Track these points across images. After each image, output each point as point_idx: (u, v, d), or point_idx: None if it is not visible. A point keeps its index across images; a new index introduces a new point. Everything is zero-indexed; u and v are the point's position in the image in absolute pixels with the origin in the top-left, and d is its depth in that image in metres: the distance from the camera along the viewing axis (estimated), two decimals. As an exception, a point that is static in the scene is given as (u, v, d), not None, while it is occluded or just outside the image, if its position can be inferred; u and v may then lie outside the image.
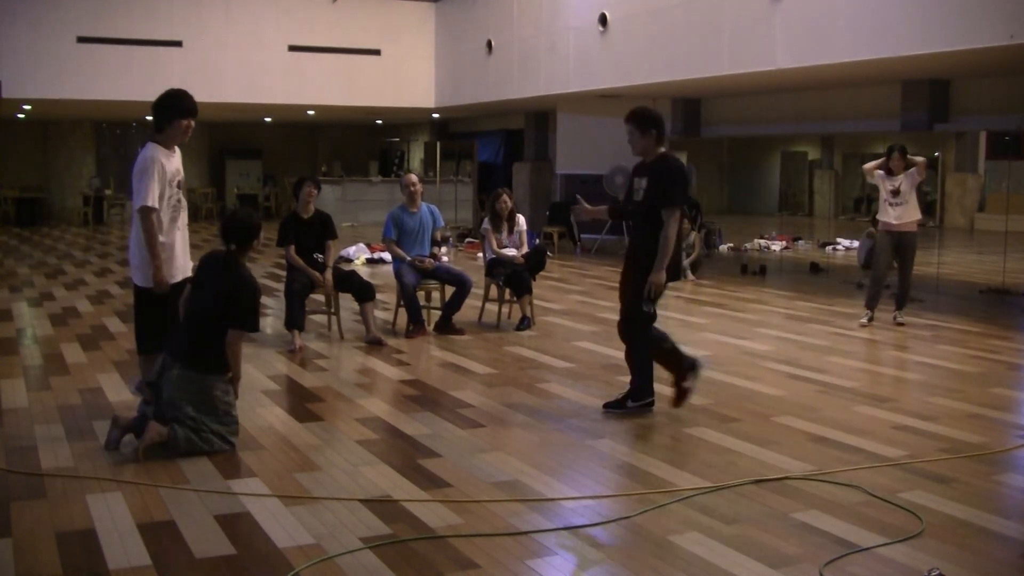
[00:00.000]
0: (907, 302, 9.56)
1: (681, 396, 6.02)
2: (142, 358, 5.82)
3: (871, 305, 9.36)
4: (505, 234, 9.27)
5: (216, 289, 5.24)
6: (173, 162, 5.61)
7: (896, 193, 9.21)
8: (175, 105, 5.55)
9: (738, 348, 8.24)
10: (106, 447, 5.23)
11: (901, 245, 9.26)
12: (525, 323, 9.03)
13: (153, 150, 5.51)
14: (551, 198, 18.81)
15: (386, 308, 9.95)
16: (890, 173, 9.24)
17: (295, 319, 8.12)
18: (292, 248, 8.29)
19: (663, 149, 5.93)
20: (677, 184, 5.82)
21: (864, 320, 9.32)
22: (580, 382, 6.93)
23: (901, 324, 9.31)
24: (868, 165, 9.57)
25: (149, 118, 5.73)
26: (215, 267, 5.37)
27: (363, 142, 28.50)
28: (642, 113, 5.94)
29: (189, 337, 5.23)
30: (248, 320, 5.27)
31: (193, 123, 5.61)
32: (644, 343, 5.97)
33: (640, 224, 5.97)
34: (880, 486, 4.72)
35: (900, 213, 9.18)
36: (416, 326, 8.63)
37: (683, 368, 5.99)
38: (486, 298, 9.50)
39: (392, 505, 4.45)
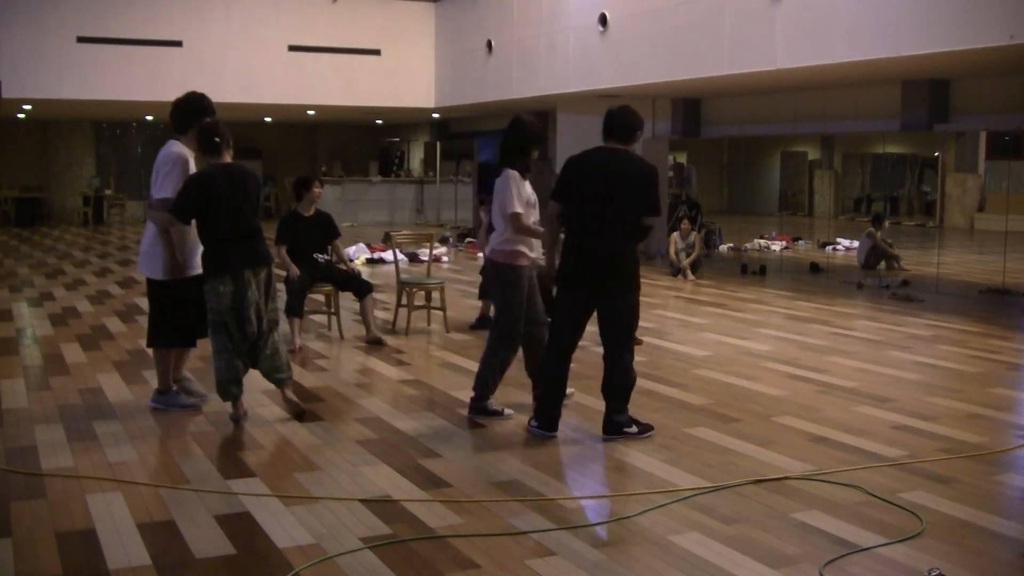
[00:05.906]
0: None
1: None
2: (157, 353, 5.98)
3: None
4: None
5: (248, 192, 5.79)
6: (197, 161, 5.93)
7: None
8: (196, 107, 5.96)
9: (738, 348, 8.24)
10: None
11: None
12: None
13: (178, 147, 5.89)
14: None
15: (386, 308, 9.95)
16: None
17: (295, 307, 8.11)
18: (283, 249, 8.21)
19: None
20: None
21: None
22: (580, 382, 6.92)
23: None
24: None
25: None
26: (225, 176, 5.75)
27: (363, 142, 28.47)
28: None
29: (259, 240, 5.79)
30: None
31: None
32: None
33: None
34: (880, 486, 4.72)
35: None
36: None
37: None
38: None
39: (392, 505, 4.45)
